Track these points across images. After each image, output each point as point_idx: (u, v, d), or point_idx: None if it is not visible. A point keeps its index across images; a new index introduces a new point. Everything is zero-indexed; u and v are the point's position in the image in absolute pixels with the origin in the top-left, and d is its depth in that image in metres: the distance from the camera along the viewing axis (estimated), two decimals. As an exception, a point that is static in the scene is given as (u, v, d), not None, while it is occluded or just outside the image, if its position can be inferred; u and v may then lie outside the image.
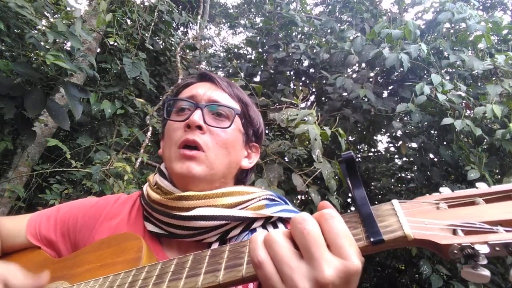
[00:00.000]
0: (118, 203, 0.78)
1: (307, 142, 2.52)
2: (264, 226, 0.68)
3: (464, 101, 2.88)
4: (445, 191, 0.42)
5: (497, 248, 0.33)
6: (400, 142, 3.56)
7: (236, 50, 5.42)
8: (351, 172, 0.42)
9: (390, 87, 3.83)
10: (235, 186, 0.74)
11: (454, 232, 0.36)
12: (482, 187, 0.41)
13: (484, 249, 0.33)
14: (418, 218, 0.38)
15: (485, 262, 0.33)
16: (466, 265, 0.34)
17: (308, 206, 2.72)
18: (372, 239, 0.38)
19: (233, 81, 3.15)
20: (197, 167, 0.67)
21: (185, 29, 6.18)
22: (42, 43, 2.08)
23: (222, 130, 0.70)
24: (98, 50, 3.37)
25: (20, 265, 0.75)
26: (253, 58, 4.74)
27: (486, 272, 0.33)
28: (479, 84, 3.18)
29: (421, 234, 0.36)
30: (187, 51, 4.74)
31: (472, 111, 2.79)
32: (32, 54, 2.38)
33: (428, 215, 0.39)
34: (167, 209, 0.66)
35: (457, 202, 0.40)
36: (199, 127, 0.68)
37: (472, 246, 0.33)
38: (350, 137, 3.71)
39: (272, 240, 0.38)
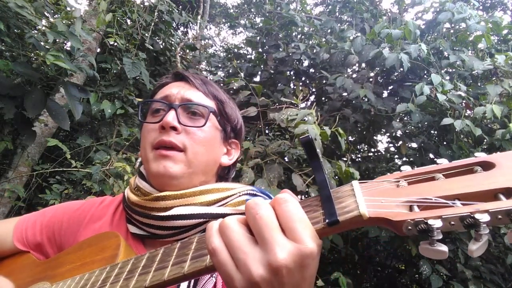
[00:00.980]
0: (103, 205, 0.79)
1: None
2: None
3: (464, 101, 2.88)
4: (406, 169, 0.42)
5: (452, 222, 0.32)
6: (400, 142, 3.56)
7: (236, 50, 5.42)
8: (311, 155, 0.42)
9: (390, 87, 3.83)
10: (216, 183, 0.74)
11: (411, 208, 0.36)
12: (442, 163, 0.40)
13: (437, 224, 0.32)
14: (375, 197, 0.38)
15: (440, 237, 0.33)
16: (423, 241, 0.34)
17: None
18: (327, 221, 0.37)
19: (233, 81, 3.14)
20: (174, 166, 0.66)
21: (185, 29, 6.18)
22: (42, 43, 2.08)
23: (198, 129, 0.70)
24: (98, 50, 3.38)
25: (9, 269, 0.76)
26: (253, 58, 4.74)
27: (444, 248, 0.33)
28: (479, 84, 3.18)
29: (376, 213, 0.36)
30: (187, 51, 4.75)
31: (472, 111, 2.79)
32: (32, 54, 2.38)
33: (386, 193, 0.38)
34: (145, 210, 0.66)
35: (416, 178, 0.40)
36: (174, 128, 0.67)
37: (426, 221, 0.33)
38: (350, 137, 3.70)
39: (225, 227, 0.38)
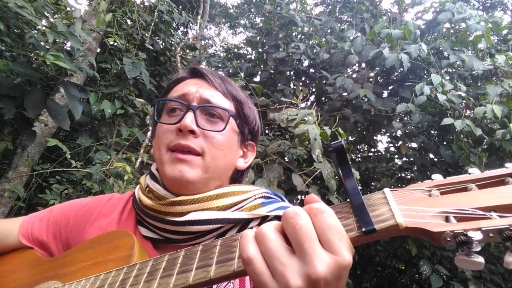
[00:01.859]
0: (110, 203, 0.77)
1: (307, 142, 2.52)
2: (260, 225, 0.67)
3: (464, 101, 2.88)
4: (437, 177, 0.41)
5: (491, 235, 0.32)
6: (400, 142, 3.56)
7: (236, 50, 5.42)
8: (342, 162, 0.41)
9: (390, 87, 3.83)
10: (230, 186, 0.72)
11: (447, 219, 0.35)
12: (474, 173, 0.40)
13: (477, 236, 0.32)
14: (410, 206, 0.37)
15: (478, 248, 0.33)
16: (459, 252, 0.34)
17: (308, 206, 2.72)
18: (363, 229, 0.37)
19: (233, 81, 3.14)
20: (190, 171, 0.64)
21: (185, 29, 6.17)
22: (42, 43, 2.08)
23: (216, 133, 0.67)
24: (98, 50, 3.37)
25: (12, 266, 0.75)
26: (253, 58, 4.74)
27: (480, 259, 0.33)
28: (479, 84, 3.18)
29: (413, 222, 0.36)
30: (187, 51, 4.74)
31: (472, 111, 2.79)
32: (32, 54, 2.38)
33: (420, 202, 0.38)
34: (160, 215, 0.64)
35: (449, 188, 0.39)
36: (192, 131, 0.65)
37: (465, 233, 0.33)
38: (350, 137, 3.70)
39: (263, 235, 0.37)
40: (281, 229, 0.38)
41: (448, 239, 0.34)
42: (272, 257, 0.36)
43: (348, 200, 0.41)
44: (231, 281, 0.58)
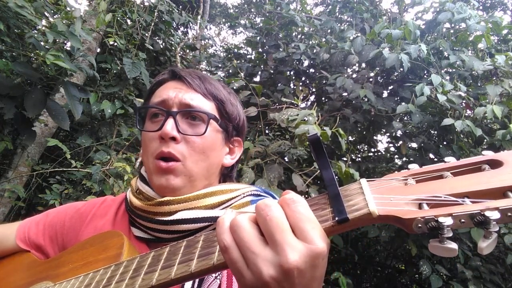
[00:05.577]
0: (104, 205, 0.79)
1: (307, 142, 2.52)
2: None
3: (464, 101, 2.87)
4: (414, 167, 0.42)
5: (463, 220, 0.33)
6: (400, 142, 3.55)
7: (236, 50, 5.42)
8: (319, 153, 0.42)
9: (390, 87, 3.83)
10: (219, 184, 0.73)
11: (420, 206, 0.36)
12: (450, 161, 0.40)
13: (448, 221, 0.32)
14: (384, 195, 0.38)
15: (450, 234, 0.33)
16: (433, 239, 0.34)
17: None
18: (337, 218, 0.38)
19: (233, 81, 3.14)
20: (175, 179, 0.66)
21: (185, 29, 6.18)
22: (42, 43, 2.08)
23: (198, 137, 0.68)
24: (98, 50, 3.37)
25: (9, 269, 0.76)
26: (253, 58, 4.73)
27: (453, 245, 0.33)
28: (479, 84, 3.18)
29: (386, 210, 0.36)
30: (187, 51, 4.75)
31: (472, 111, 2.79)
32: (32, 54, 2.38)
33: (395, 191, 0.38)
34: (149, 215, 0.66)
35: (425, 177, 0.40)
36: (173, 138, 0.66)
37: (436, 218, 0.33)
38: (350, 137, 3.70)
39: (237, 225, 0.38)
40: (256, 220, 0.39)
41: (420, 225, 0.34)
42: (244, 247, 0.37)
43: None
44: (218, 278, 0.60)
